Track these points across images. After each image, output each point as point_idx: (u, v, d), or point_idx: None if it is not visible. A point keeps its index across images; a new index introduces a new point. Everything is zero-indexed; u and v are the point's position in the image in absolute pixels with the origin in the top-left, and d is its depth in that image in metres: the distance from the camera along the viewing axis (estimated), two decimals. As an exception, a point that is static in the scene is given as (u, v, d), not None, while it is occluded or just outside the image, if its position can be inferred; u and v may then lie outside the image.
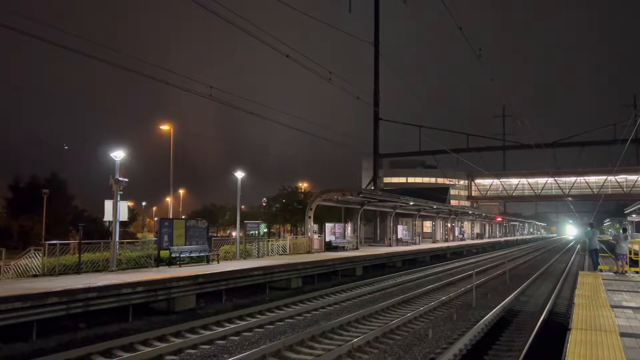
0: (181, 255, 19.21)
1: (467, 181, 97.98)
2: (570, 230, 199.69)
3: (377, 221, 45.87)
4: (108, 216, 18.22)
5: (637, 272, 17.74)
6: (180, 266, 18.68)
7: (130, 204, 65.93)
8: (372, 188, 48.89)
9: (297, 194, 64.80)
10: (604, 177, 79.20)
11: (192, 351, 10.30)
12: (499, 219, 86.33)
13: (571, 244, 73.77)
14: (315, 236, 30.96)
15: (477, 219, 73.69)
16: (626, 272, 17.21)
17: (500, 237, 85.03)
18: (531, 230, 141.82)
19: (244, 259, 23.16)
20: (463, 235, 65.26)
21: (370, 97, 45.81)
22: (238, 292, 17.68)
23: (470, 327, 12.26)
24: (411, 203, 39.41)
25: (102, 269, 16.86)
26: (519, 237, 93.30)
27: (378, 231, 45.48)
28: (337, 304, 16.26)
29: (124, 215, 18.83)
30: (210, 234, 24.70)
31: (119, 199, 17.53)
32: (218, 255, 21.43)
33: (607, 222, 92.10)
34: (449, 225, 58.26)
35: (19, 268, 15.31)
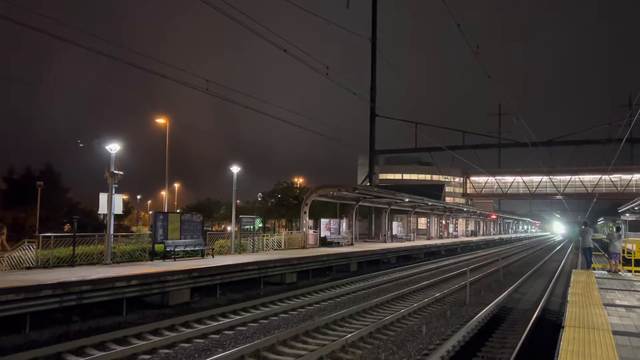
0: (176, 249, 19.18)
1: (462, 178, 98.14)
2: (558, 228, 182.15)
3: (372, 217, 45.93)
4: (103, 209, 18.14)
5: (630, 271, 17.87)
6: (174, 260, 18.65)
7: (125, 197, 65.80)
8: (368, 184, 48.93)
9: (293, 189, 64.82)
10: (599, 176, 79.48)
11: (186, 345, 10.30)
12: (493, 217, 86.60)
13: (559, 245, 71.29)
14: (310, 231, 30.99)
15: (471, 216, 73.89)
16: (619, 270, 17.32)
17: (494, 234, 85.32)
18: (525, 227, 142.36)
19: (239, 253, 23.14)
20: (457, 232, 65.46)
21: (367, 93, 45.78)
22: (232, 286, 17.69)
23: (463, 323, 12.31)
24: (406, 200, 39.46)
25: (97, 262, 16.81)
26: (513, 235, 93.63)
27: (373, 227, 45.54)
28: (331, 300, 16.29)
29: (118, 209, 18.76)
30: (205, 228, 24.64)
31: (113, 192, 17.46)
32: (213, 249, 21.40)
33: (600, 221, 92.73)
34: (443, 222, 58.40)
35: (13, 260, 15.25)
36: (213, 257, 20.54)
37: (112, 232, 17.44)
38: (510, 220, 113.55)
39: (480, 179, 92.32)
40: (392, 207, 42.12)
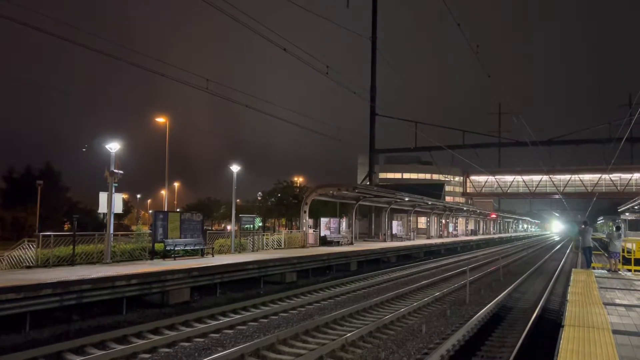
0: (176, 248, 19.17)
1: (462, 177, 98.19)
2: (557, 227, 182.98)
3: (372, 216, 45.96)
4: (102, 208, 18.14)
5: (629, 270, 17.87)
6: (174, 259, 18.65)
7: (125, 196, 65.76)
8: (368, 183, 48.93)
9: (293, 188, 64.82)
10: (598, 175, 79.54)
11: (186, 344, 10.30)
12: (493, 216, 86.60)
13: (559, 245, 69.77)
14: (310, 231, 30.99)
15: (471, 216, 73.89)
16: (619, 270, 17.32)
17: (494, 233, 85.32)
18: (525, 227, 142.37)
19: (239, 252, 23.14)
20: (457, 231, 65.45)
21: (367, 92, 45.74)
22: (232, 285, 17.69)
23: (463, 322, 12.31)
24: (406, 199, 39.46)
25: (96, 261, 16.81)
26: (513, 234, 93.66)
27: (373, 226, 45.56)
28: (331, 299, 16.28)
29: (118, 208, 18.76)
30: (205, 227, 24.63)
31: (113, 191, 17.46)
32: (213, 248, 21.40)
33: (600, 220, 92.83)
34: (443, 221, 58.40)
35: (13, 259, 15.25)
36: (213, 256, 20.54)
37: (112, 231, 17.44)
38: (510, 220, 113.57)
39: (480, 178, 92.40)
40: (392, 206, 42.11)
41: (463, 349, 10.00)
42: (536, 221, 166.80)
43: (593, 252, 21.62)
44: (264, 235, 26.76)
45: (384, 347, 10.18)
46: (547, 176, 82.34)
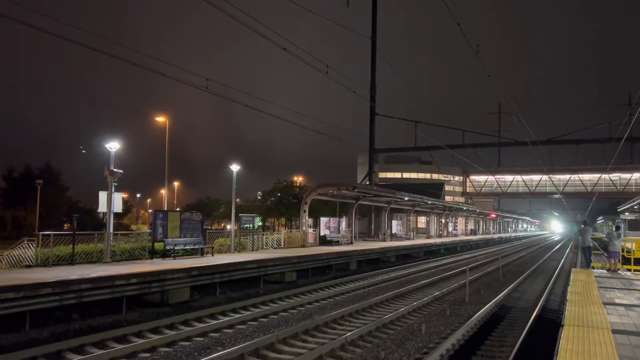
0: (175, 248, 19.17)
1: (461, 177, 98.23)
2: (557, 227, 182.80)
3: (371, 216, 45.96)
4: (102, 207, 18.13)
5: (629, 270, 17.88)
6: (174, 258, 18.64)
7: (124, 195, 65.84)
8: (368, 183, 48.93)
9: (292, 187, 64.82)
10: (598, 175, 79.61)
11: (186, 343, 10.31)
12: (493, 216, 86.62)
13: (558, 244, 69.34)
14: (310, 230, 30.98)
15: (471, 215, 73.89)
16: (618, 269, 17.33)
17: (493, 233, 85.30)
18: (524, 226, 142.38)
19: (239, 252, 23.14)
20: (457, 231, 65.43)
21: (367, 92, 45.74)
22: (232, 285, 17.68)
23: (463, 322, 12.31)
24: (406, 198, 39.46)
25: (96, 260, 16.80)
26: (513, 234, 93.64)
27: (372, 226, 45.57)
28: (330, 298, 16.29)
29: (118, 207, 18.75)
30: (204, 226, 24.62)
31: (113, 190, 17.45)
32: (212, 248, 21.39)
33: (600, 220, 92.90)
34: (443, 221, 58.40)
35: (12, 258, 15.24)
36: (213, 255, 20.54)
37: (111, 230, 17.43)
38: (510, 219, 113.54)
39: (480, 178, 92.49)
40: (392, 205, 42.12)
41: (462, 349, 10.01)
42: (536, 221, 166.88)
43: (593, 251, 21.63)
44: (263, 234, 26.75)
45: (384, 346, 10.18)
46: (547, 176, 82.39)
